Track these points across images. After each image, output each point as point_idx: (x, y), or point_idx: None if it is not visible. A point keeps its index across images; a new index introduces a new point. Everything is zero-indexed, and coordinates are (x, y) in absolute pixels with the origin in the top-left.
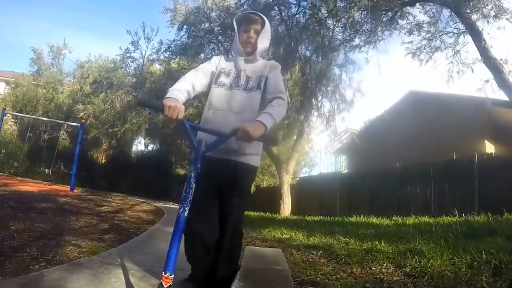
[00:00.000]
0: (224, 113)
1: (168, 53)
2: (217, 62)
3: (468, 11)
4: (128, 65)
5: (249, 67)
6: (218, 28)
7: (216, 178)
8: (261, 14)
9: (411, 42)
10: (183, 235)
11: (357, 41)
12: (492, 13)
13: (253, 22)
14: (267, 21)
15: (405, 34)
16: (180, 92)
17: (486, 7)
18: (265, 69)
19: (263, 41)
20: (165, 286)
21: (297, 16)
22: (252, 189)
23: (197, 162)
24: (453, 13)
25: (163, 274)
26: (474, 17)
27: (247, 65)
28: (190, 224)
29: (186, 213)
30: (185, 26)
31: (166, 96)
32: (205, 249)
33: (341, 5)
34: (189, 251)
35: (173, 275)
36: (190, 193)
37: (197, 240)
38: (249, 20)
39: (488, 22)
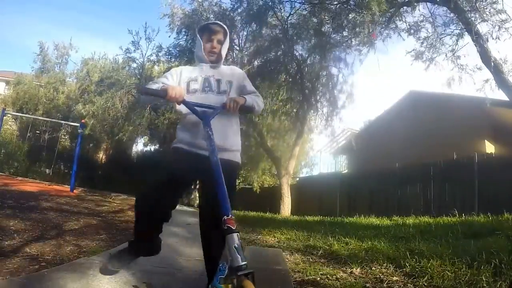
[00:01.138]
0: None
1: (167, 56)
2: (179, 73)
3: (467, 8)
4: (129, 65)
5: (216, 72)
6: None
7: (196, 172)
8: (222, 24)
9: (414, 49)
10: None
11: (354, 41)
12: (491, 12)
13: (215, 33)
14: (228, 31)
15: (404, 33)
16: (167, 80)
17: (482, 6)
18: (232, 75)
19: (225, 49)
20: (233, 228)
21: (291, 17)
22: (257, 188)
23: (208, 124)
24: (452, 13)
25: (225, 217)
26: (472, 16)
27: (214, 70)
28: (148, 199)
29: (217, 160)
30: (183, 30)
31: (157, 86)
32: (153, 226)
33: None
34: (141, 224)
35: (233, 217)
36: (214, 145)
37: (150, 215)
38: (211, 30)
39: (486, 22)
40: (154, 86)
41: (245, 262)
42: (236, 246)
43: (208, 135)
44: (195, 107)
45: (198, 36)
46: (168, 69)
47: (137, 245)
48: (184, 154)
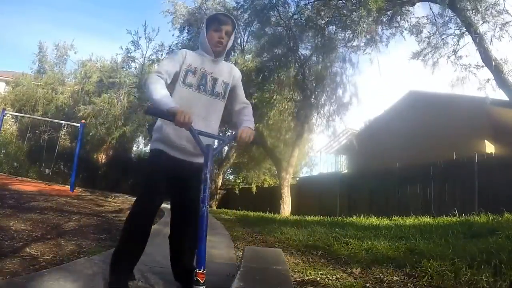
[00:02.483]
0: (196, 118)
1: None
2: (184, 56)
3: (469, 8)
4: (129, 65)
5: (215, 69)
6: None
7: (182, 176)
8: (231, 17)
9: (417, 52)
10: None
11: (357, 41)
12: (493, 13)
13: (225, 23)
14: (236, 25)
15: (407, 33)
16: (171, 99)
17: (483, 7)
18: (230, 76)
19: (230, 43)
20: (201, 281)
21: (295, 16)
22: (254, 189)
23: (207, 164)
24: (453, 13)
25: (197, 271)
26: (473, 16)
27: (213, 65)
28: (151, 205)
29: (206, 211)
30: (185, 28)
31: (165, 103)
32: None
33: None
34: (139, 230)
35: (205, 270)
36: (207, 192)
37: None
38: (221, 20)
39: (487, 21)
40: (163, 90)
41: None
42: None
43: (205, 177)
44: (200, 140)
45: (205, 25)
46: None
47: (127, 259)
48: (167, 160)
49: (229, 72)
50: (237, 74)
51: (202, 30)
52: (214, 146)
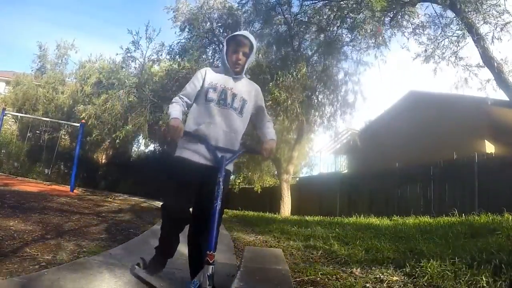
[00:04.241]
0: (217, 129)
1: (169, 55)
2: (203, 75)
3: (470, 9)
4: (129, 65)
5: (235, 86)
6: (220, 28)
7: (203, 179)
8: (250, 38)
9: (419, 54)
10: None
11: (360, 40)
12: (494, 14)
13: (242, 45)
14: (255, 44)
15: (408, 34)
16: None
17: (484, 8)
18: (250, 93)
19: (249, 62)
20: (210, 261)
21: (299, 15)
22: (259, 189)
23: (221, 171)
24: (453, 13)
25: (208, 252)
26: (474, 18)
27: (234, 82)
28: (179, 206)
29: (218, 206)
30: (187, 27)
31: (169, 116)
32: (178, 230)
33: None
34: (171, 228)
35: (214, 252)
36: (220, 192)
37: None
38: (238, 42)
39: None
40: (177, 105)
41: (211, 286)
42: (209, 275)
43: (219, 181)
44: (216, 152)
45: (225, 45)
46: (170, 69)
47: (165, 248)
48: (191, 165)
49: (249, 91)
50: (258, 92)
51: (222, 50)
52: (228, 157)
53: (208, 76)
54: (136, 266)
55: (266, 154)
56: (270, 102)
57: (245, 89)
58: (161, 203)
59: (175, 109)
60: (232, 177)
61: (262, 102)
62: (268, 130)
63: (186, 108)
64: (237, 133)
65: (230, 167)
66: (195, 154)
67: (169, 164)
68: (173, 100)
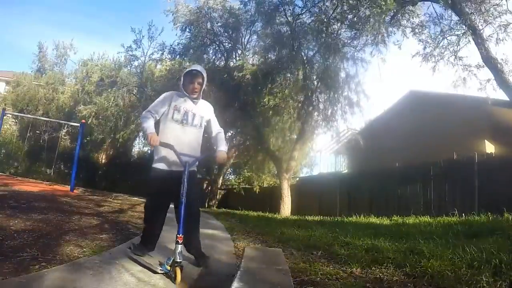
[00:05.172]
0: (181, 141)
1: (170, 55)
2: (171, 99)
3: (471, 10)
4: (130, 64)
5: (194, 107)
6: (220, 28)
7: (174, 181)
8: (202, 71)
9: (418, 52)
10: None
11: (362, 39)
12: (494, 14)
13: (196, 77)
14: (205, 76)
15: (409, 33)
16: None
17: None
18: (205, 111)
19: (204, 86)
20: (180, 242)
21: (301, 16)
22: (258, 189)
23: (185, 173)
24: (454, 13)
25: (177, 235)
26: (474, 16)
27: (193, 105)
28: (157, 205)
29: (184, 201)
30: (187, 28)
31: (146, 130)
32: (161, 221)
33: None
34: (152, 221)
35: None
36: (184, 190)
37: (159, 214)
38: (193, 75)
39: (487, 22)
40: (150, 119)
41: (181, 260)
42: (179, 251)
43: (184, 181)
44: (180, 156)
45: (182, 77)
46: (170, 69)
47: (147, 240)
48: (166, 174)
49: (204, 109)
50: (211, 109)
51: (179, 81)
52: (191, 161)
53: (174, 100)
54: (128, 249)
55: (218, 161)
56: (271, 102)
57: (202, 108)
58: (144, 204)
59: (150, 124)
60: (231, 177)
61: (213, 116)
62: (219, 141)
63: (154, 122)
64: (198, 143)
65: (194, 167)
66: (166, 164)
67: (148, 174)
68: (144, 115)
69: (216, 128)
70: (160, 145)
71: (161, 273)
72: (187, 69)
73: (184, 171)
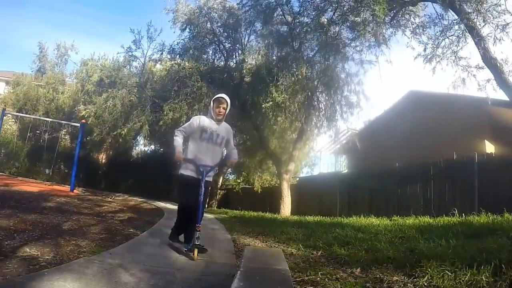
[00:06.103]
0: (206, 156)
1: (170, 55)
2: (198, 122)
3: (470, 10)
4: (130, 64)
5: (219, 128)
6: (220, 28)
7: (196, 185)
8: (226, 98)
9: (419, 54)
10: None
11: (362, 40)
12: (494, 14)
13: (222, 103)
14: (229, 102)
15: (410, 34)
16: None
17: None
18: (226, 132)
19: (227, 110)
20: (198, 230)
21: (299, 16)
22: (259, 189)
23: (202, 179)
24: (454, 13)
25: (197, 224)
26: (474, 16)
27: (218, 126)
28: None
29: (202, 199)
30: (187, 27)
31: (176, 147)
32: (190, 218)
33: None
34: (183, 221)
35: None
36: (202, 191)
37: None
38: (219, 101)
39: (486, 21)
40: (180, 138)
41: (198, 243)
42: (197, 237)
43: (201, 185)
44: (198, 165)
45: (212, 103)
46: (170, 69)
47: (179, 232)
48: (194, 180)
49: (226, 130)
50: (230, 131)
51: (209, 106)
52: (208, 169)
53: (202, 123)
54: (168, 239)
55: (229, 165)
56: (271, 103)
57: (224, 130)
58: (178, 205)
59: (179, 143)
60: (231, 177)
61: (231, 136)
62: (233, 153)
63: (183, 139)
64: (218, 157)
65: (210, 178)
66: (192, 172)
67: (177, 179)
68: (177, 133)
69: (232, 146)
70: (184, 161)
71: (185, 251)
72: (215, 96)
73: (202, 177)
